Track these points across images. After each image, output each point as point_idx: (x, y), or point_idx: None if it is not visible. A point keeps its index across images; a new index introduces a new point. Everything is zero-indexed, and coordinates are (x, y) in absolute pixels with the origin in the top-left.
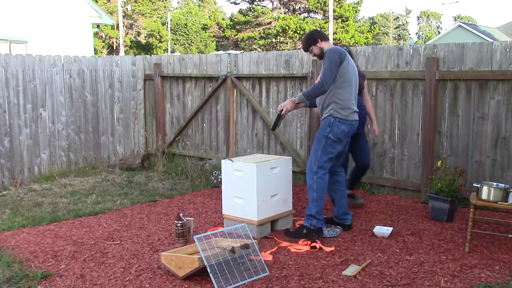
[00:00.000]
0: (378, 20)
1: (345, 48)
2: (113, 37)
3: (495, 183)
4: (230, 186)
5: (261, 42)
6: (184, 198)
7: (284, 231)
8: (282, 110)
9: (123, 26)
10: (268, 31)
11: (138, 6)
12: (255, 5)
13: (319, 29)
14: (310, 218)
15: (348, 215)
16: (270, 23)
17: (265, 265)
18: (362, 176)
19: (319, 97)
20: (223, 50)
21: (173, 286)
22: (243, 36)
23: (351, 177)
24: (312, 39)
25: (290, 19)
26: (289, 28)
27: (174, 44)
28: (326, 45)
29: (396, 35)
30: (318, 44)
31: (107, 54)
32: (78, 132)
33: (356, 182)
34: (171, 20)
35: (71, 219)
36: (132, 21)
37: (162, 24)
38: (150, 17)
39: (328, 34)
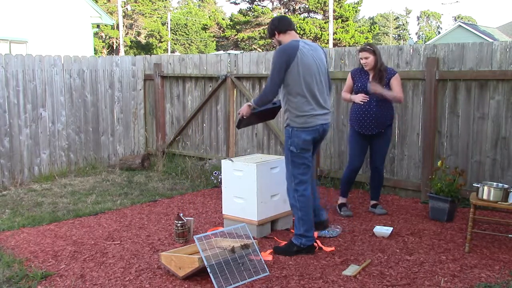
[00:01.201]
0: (378, 20)
1: (368, 47)
2: (113, 37)
3: (495, 183)
4: (230, 186)
5: (261, 42)
6: (184, 198)
7: (273, 247)
8: (239, 114)
9: (123, 26)
10: None
11: (138, 6)
12: (255, 5)
13: (319, 29)
14: (300, 237)
15: (322, 210)
16: None
17: (265, 265)
18: (377, 183)
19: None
20: (223, 50)
21: (173, 286)
22: (243, 36)
23: (370, 184)
24: (270, 31)
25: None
26: None
27: (174, 44)
28: (285, 39)
29: (396, 35)
30: (276, 37)
31: (107, 54)
32: (78, 132)
33: (374, 190)
34: (171, 20)
35: (71, 219)
36: (132, 21)
37: (162, 24)
38: (150, 17)
39: (328, 34)
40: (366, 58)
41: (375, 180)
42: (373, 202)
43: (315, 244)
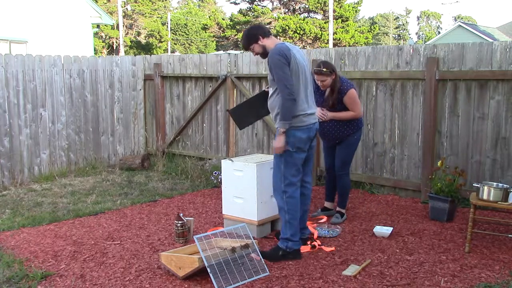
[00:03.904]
0: (378, 20)
1: (324, 69)
2: (113, 37)
3: (495, 183)
4: (230, 186)
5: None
6: (184, 198)
7: (260, 252)
8: (281, 150)
9: (123, 26)
10: None
11: (138, 6)
12: (255, 5)
13: (319, 29)
14: (286, 241)
15: (306, 229)
16: (270, 23)
17: (265, 265)
18: (338, 189)
19: (270, 102)
20: (223, 50)
21: (173, 286)
22: None
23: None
24: (252, 36)
25: (290, 19)
26: (289, 28)
27: (174, 44)
28: (269, 42)
29: (396, 35)
30: (259, 42)
31: (107, 54)
32: (78, 132)
33: (338, 195)
34: (171, 20)
35: (71, 219)
36: (132, 21)
37: (162, 24)
38: (150, 17)
39: (328, 34)
40: (323, 81)
41: (337, 186)
42: (337, 208)
43: (315, 244)
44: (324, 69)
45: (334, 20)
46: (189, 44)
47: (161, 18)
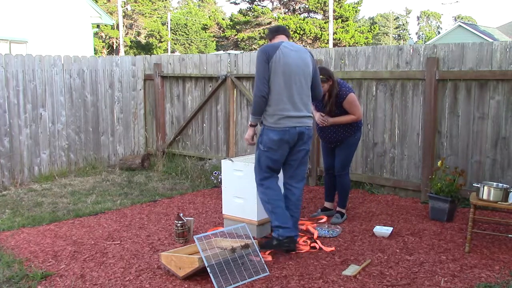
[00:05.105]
0: (378, 20)
1: (321, 76)
2: (113, 37)
3: (495, 183)
4: (230, 186)
5: (261, 42)
6: (184, 198)
7: (258, 243)
8: (249, 142)
9: (123, 26)
10: None
11: (138, 6)
12: (255, 5)
13: (319, 29)
14: (277, 228)
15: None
16: (270, 23)
17: (265, 265)
18: (338, 189)
19: None
20: (223, 50)
21: (173, 286)
22: (243, 36)
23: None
24: (266, 40)
25: (290, 19)
26: (289, 28)
27: (174, 44)
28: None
29: (396, 35)
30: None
31: (107, 54)
32: (78, 132)
33: (338, 195)
34: (171, 20)
35: (71, 219)
36: (132, 21)
37: (162, 24)
38: (150, 17)
39: (328, 34)
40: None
41: (337, 186)
42: (337, 208)
43: (315, 244)
44: (321, 76)
45: (334, 20)
46: (189, 44)
47: (161, 18)
